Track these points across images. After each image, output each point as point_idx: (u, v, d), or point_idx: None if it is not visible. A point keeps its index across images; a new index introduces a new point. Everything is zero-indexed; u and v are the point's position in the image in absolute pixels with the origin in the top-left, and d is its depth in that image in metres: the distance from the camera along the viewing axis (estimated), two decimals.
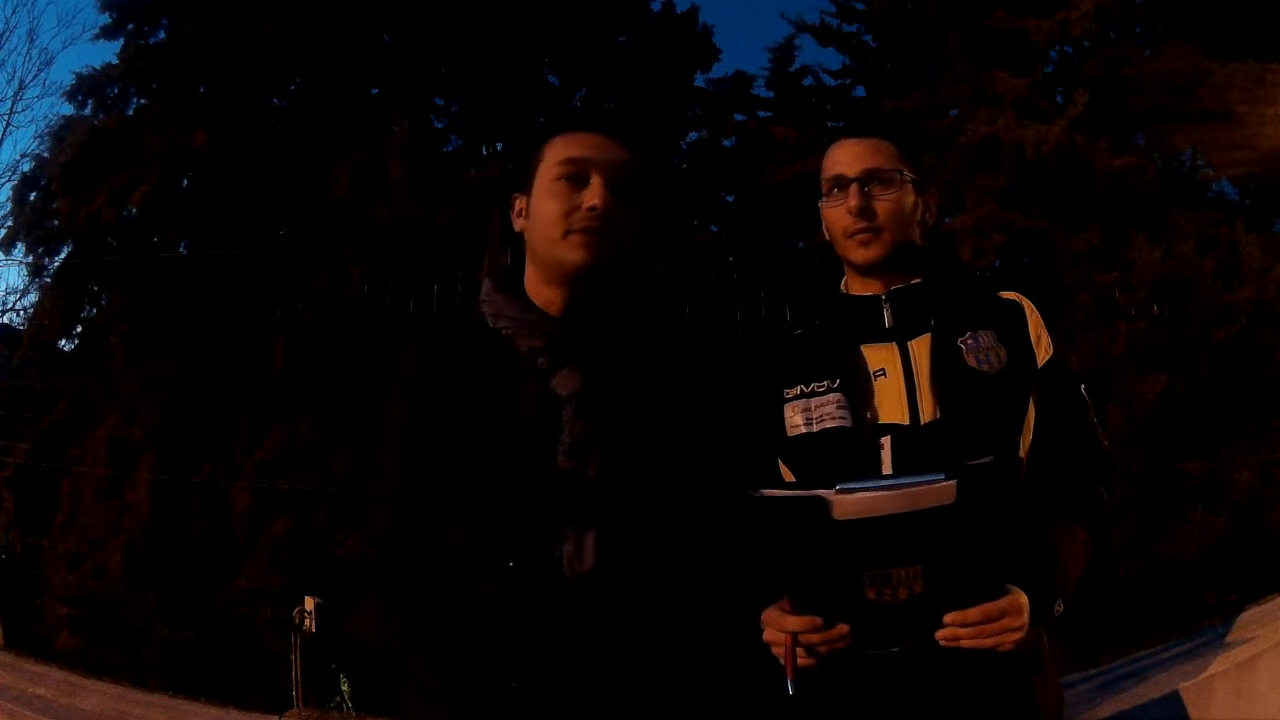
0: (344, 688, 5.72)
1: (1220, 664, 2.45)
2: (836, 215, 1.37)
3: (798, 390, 1.37)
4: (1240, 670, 2.42)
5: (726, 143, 9.37)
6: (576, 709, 1.16)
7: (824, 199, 1.39)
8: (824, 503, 1.08)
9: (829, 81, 9.47)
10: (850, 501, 1.08)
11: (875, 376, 1.33)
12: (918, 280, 1.37)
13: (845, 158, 1.37)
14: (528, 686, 1.17)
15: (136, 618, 6.99)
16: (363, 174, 7.55)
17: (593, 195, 1.24)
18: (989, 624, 1.13)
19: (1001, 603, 1.14)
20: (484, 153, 8.79)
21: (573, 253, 1.24)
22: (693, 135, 9.52)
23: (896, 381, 1.32)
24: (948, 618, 1.14)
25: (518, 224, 1.31)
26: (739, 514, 1.16)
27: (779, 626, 1.18)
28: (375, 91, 8.68)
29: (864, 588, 1.12)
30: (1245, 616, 2.71)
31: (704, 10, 9.45)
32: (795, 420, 1.36)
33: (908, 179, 1.36)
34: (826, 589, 1.15)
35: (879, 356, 1.34)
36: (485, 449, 1.23)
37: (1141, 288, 6.39)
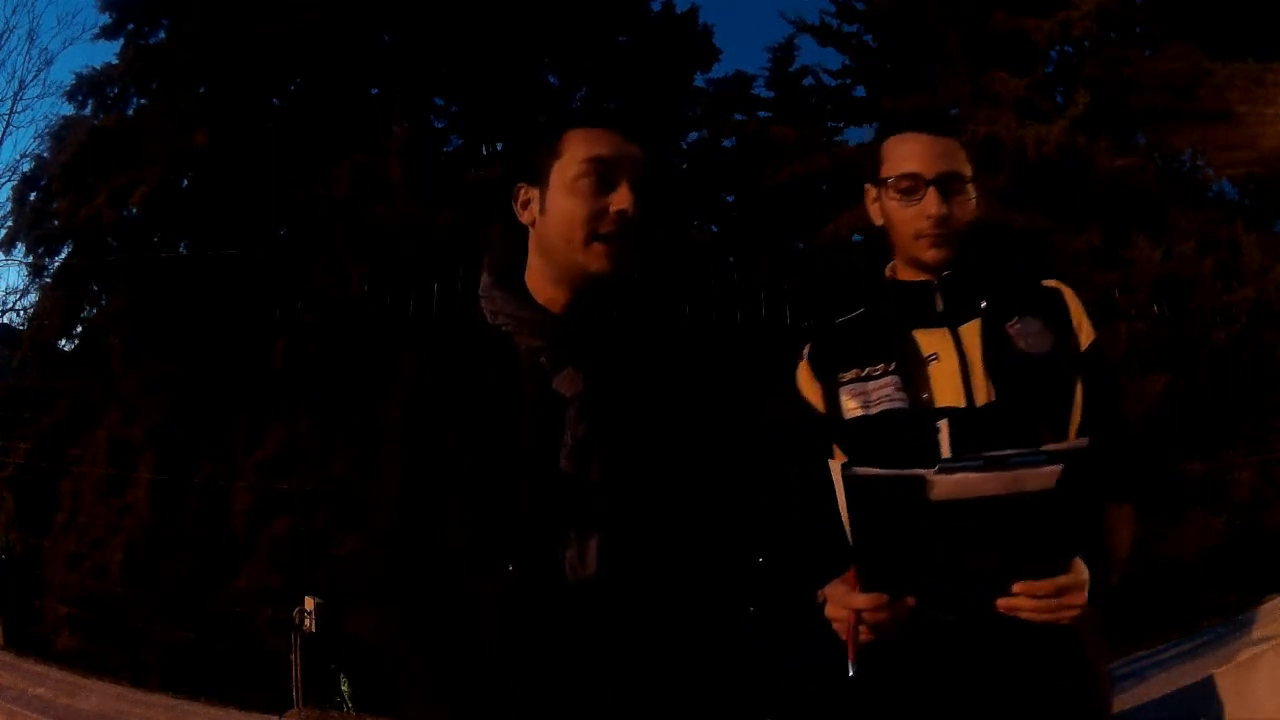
0: (344, 688, 5.72)
1: (1220, 664, 2.45)
2: (907, 215, 1.35)
3: (853, 374, 1.37)
4: (1240, 670, 2.42)
5: (726, 143, 9.39)
6: (578, 713, 1.16)
7: (890, 193, 1.37)
8: (923, 482, 1.07)
9: (829, 81, 9.48)
10: (950, 482, 1.06)
11: (928, 361, 1.34)
12: (967, 268, 1.38)
13: (920, 155, 1.35)
14: (529, 690, 1.16)
15: (136, 618, 6.99)
16: (363, 174, 7.55)
17: (623, 199, 1.19)
18: (1052, 599, 1.13)
19: (1068, 577, 1.14)
20: (484, 153, 8.79)
21: (596, 261, 1.19)
22: (693, 135, 9.55)
23: (951, 365, 1.33)
24: (1017, 587, 1.13)
25: (524, 216, 1.26)
26: (819, 490, 1.16)
27: (845, 604, 1.18)
28: (375, 91, 8.68)
29: (935, 576, 1.12)
30: (1245, 616, 2.71)
31: (704, 10, 9.48)
32: (852, 404, 1.36)
33: (972, 179, 1.37)
34: (905, 567, 1.14)
35: (931, 341, 1.35)
36: (486, 450, 1.21)
37: (1142, 288, 6.39)
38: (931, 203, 1.33)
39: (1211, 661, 2.48)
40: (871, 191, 1.42)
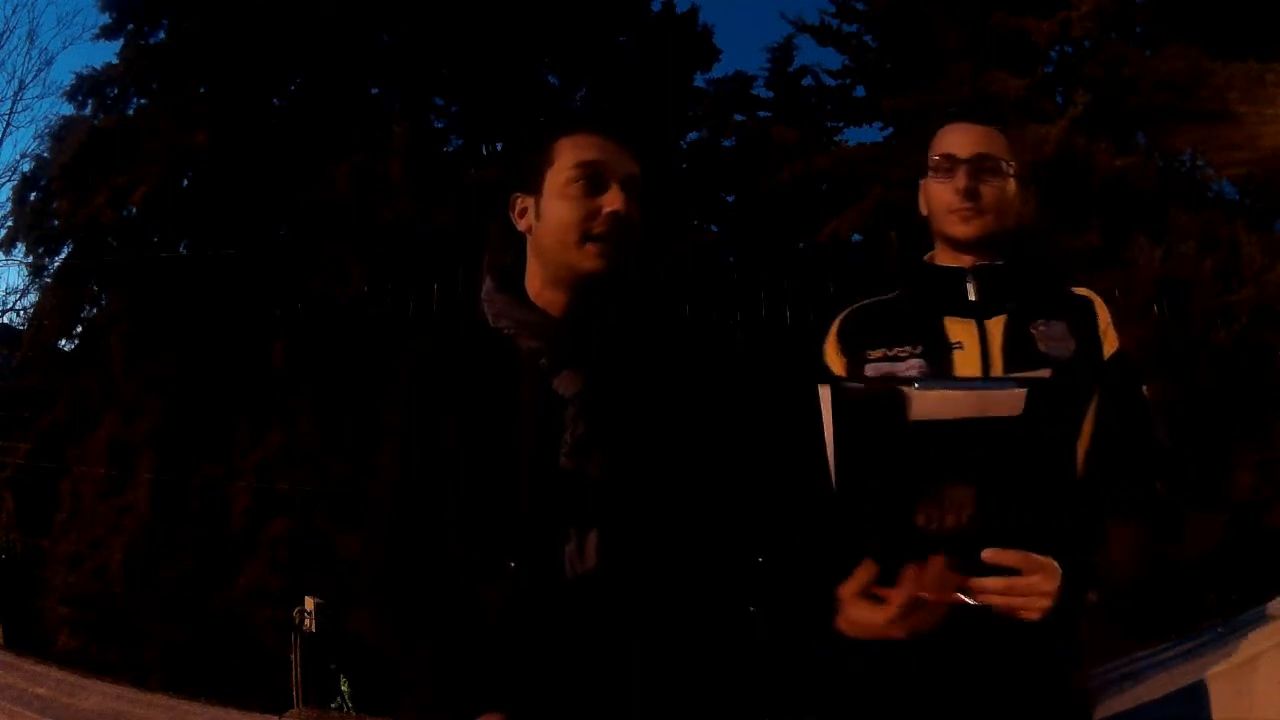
0: (344, 688, 5.72)
1: (1220, 664, 2.45)
2: (942, 192, 1.41)
3: (880, 354, 1.41)
4: (1240, 670, 2.42)
5: (726, 143, 9.40)
6: (577, 710, 1.17)
7: (931, 174, 1.43)
8: (903, 397, 1.11)
9: (829, 81, 9.50)
10: (928, 398, 1.11)
11: (953, 348, 1.38)
12: (1002, 261, 1.41)
13: (959, 139, 1.41)
14: (529, 686, 1.18)
15: (136, 618, 7.00)
16: (363, 174, 7.56)
17: (614, 200, 1.23)
18: (1018, 579, 1.14)
19: (1038, 558, 1.15)
20: (484, 153, 8.79)
21: (589, 260, 1.23)
22: (693, 135, 9.57)
23: (973, 356, 1.37)
24: (985, 554, 1.14)
25: (521, 224, 1.30)
26: (812, 413, 1.17)
27: (880, 617, 1.18)
28: (375, 91, 8.69)
29: (915, 511, 1.13)
30: (1245, 616, 2.71)
31: (704, 10, 9.51)
32: None
33: (1013, 170, 1.41)
34: (882, 506, 1.15)
35: (958, 330, 1.39)
36: (486, 449, 1.23)
37: (1142, 288, 6.39)
38: (962, 177, 1.38)
39: (1211, 661, 2.48)
40: (922, 184, 1.47)
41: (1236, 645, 2.51)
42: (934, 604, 1.15)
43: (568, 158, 1.25)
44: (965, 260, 1.41)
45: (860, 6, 8.87)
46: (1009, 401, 1.12)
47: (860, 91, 9.27)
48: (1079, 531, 1.22)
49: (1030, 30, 7.34)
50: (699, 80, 9.60)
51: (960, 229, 1.39)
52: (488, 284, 1.31)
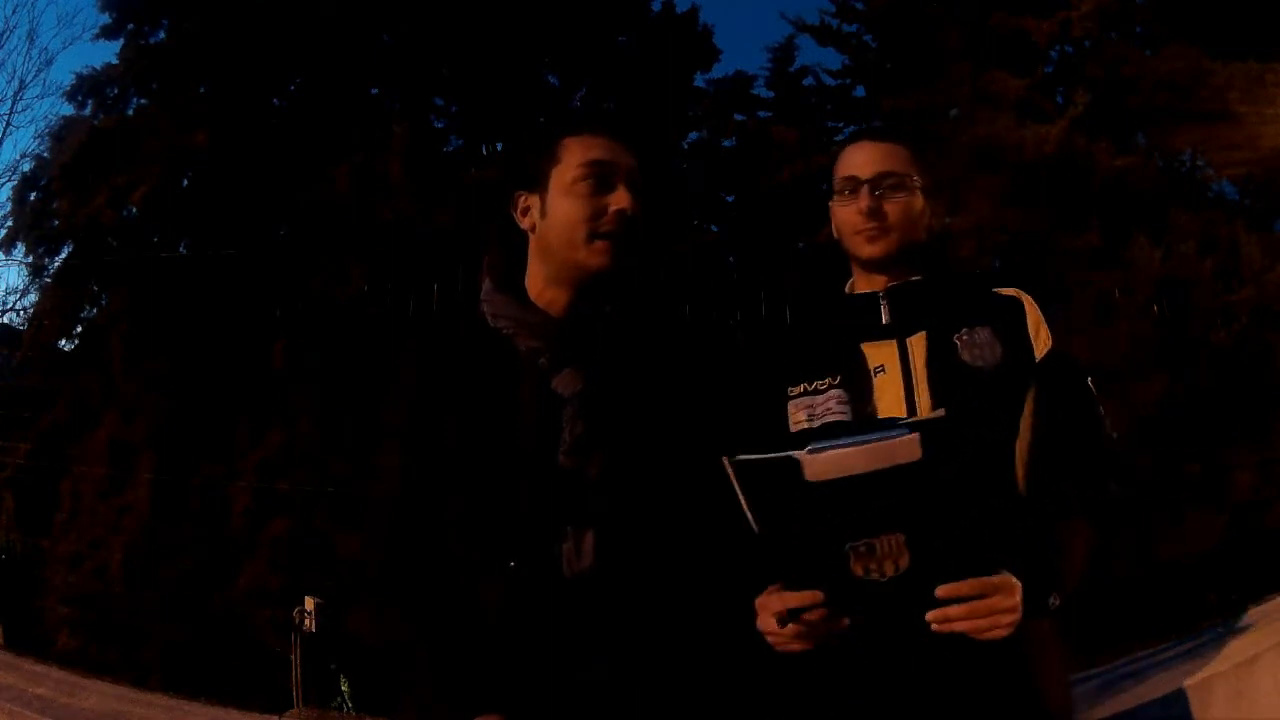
0: (344, 688, 5.73)
1: (1220, 664, 2.45)
2: (847, 214, 1.40)
3: (801, 388, 1.40)
4: (1240, 670, 2.42)
5: (726, 143, 9.40)
6: (574, 708, 1.18)
7: (835, 197, 1.42)
8: (796, 463, 1.09)
9: (829, 81, 9.50)
10: (820, 460, 1.09)
11: (875, 373, 1.36)
12: (917, 278, 1.40)
13: (860, 159, 1.41)
14: (526, 685, 1.18)
15: (136, 618, 7.00)
16: (363, 174, 7.56)
17: (622, 199, 1.24)
18: (980, 601, 1.14)
19: (993, 579, 1.15)
20: (484, 152, 8.79)
21: (596, 258, 1.23)
22: (693, 135, 9.57)
23: (895, 378, 1.35)
24: (940, 590, 1.14)
25: (524, 222, 1.30)
26: (723, 488, 1.16)
27: (778, 603, 1.18)
28: (375, 91, 8.69)
29: (850, 562, 1.12)
30: (1245, 616, 2.71)
31: (704, 10, 9.49)
32: (798, 416, 1.38)
33: (918, 184, 1.40)
34: (814, 564, 1.14)
35: (878, 353, 1.37)
36: (485, 449, 1.23)
37: (1142, 288, 6.39)
38: (864, 197, 1.37)
39: (1211, 661, 2.48)
40: (830, 207, 1.46)
41: (1236, 645, 2.51)
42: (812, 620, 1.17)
43: (575, 156, 1.26)
44: (879, 282, 1.40)
45: (860, 6, 8.87)
46: (905, 449, 1.10)
47: (860, 91, 9.29)
48: (1030, 539, 1.22)
49: (1030, 30, 7.34)
50: (699, 80, 9.60)
51: (867, 249, 1.38)
52: (487, 284, 1.32)
